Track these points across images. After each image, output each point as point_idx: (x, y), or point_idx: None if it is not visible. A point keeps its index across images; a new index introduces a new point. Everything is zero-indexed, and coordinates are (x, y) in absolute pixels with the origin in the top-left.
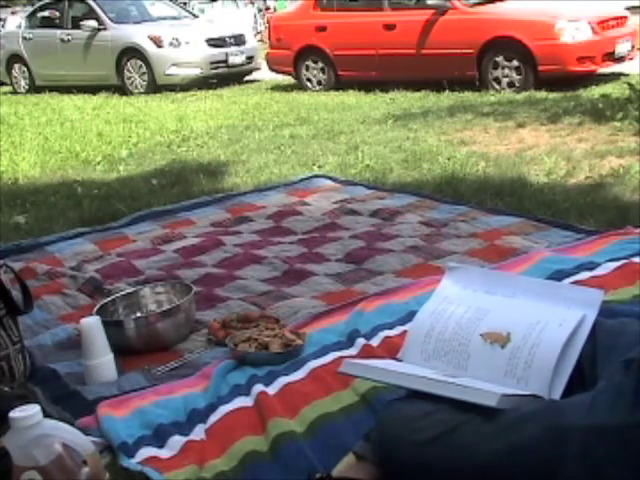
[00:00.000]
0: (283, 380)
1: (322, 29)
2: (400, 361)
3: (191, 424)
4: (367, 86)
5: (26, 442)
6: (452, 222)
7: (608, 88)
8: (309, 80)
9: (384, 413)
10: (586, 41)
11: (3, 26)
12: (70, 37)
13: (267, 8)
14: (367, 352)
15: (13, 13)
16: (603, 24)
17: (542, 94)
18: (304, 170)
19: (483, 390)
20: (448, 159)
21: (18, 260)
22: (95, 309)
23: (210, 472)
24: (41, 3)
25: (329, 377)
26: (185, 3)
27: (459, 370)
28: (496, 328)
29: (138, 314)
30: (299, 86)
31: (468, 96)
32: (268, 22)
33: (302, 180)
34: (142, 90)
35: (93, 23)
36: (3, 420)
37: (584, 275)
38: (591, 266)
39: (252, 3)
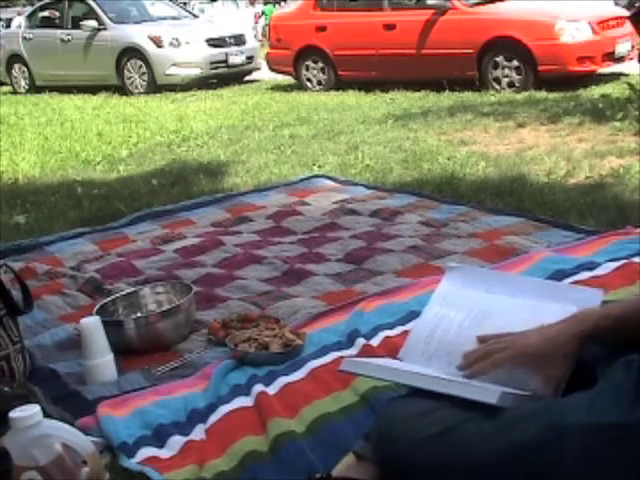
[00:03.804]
0: (283, 380)
1: (322, 29)
2: (400, 360)
3: (191, 424)
4: (367, 86)
5: (26, 442)
6: (452, 222)
7: (608, 88)
8: (309, 80)
9: (384, 412)
10: (586, 41)
11: (4, 26)
12: (70, 37)
13: (263, 13)
14: (367, 352)
15: (19, 14)
16: (603, 24)
17: (542, 94)
18: (304, 170)
19: (484, 388)
20: (448, 159)
21: (18, 260)
22: (95, 309)
23: (210, 472)
24: (41, 3)
25: (329, 377)
26: (185, 3)
27: (460, 370)
28: (498, 331)
29: (138, 314)
30: (299, 86)
31: (468, 96)
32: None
33: (302, 180)
34: (142, 90)
35: (93, 23)
36: (3, 420)
37: (584, 275)
38: (591, 266)
39: (252, 4)
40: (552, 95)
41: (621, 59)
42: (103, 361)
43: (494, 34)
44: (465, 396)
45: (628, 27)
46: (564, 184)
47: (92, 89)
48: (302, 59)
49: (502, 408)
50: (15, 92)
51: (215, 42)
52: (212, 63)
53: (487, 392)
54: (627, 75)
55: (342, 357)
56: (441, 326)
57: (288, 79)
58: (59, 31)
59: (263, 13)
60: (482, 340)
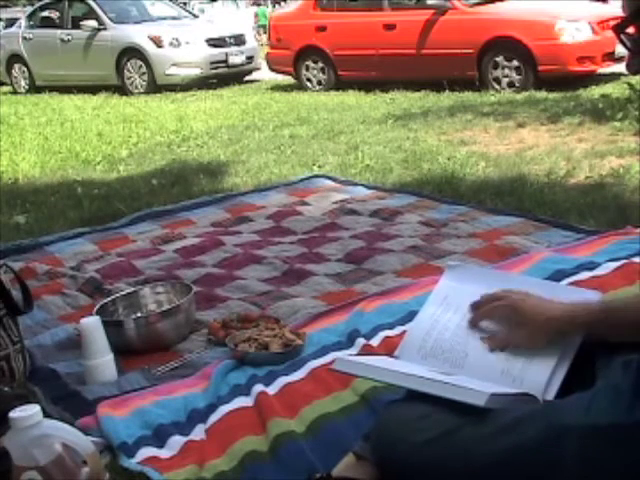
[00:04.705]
0: (283, 380)
1: (322, 29)
2: (396, 358)
3: (191, 424)
4: (367, 86)
5: (26, 442)
6: (452, 222)
7: (608, 88)
8: (309, 80)
9: (382, 415)
10: (586, 41)
11: (4, 26)
12: (70, 37)
13: (256, 15)
14: (367, 352)
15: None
16: (603, 24)
17: (542, 94)
18: (304, 170)
19: (472, 389)
20: (448, 159)
21: (18, 260)
22: (95, 309)
23: (210, 472)
24: (41, 3)
25: (329, 377)
26: (185, 3)
27: (455, 368)
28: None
29: (138, 314)
30: (299, 86)
31: (468, 96)
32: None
33: (302, 180)
34: (142, 90)
35: (93, 23)
36: (3, 420)
37: (584, 275)
38: (591, 266)
39: (257, 6)
40: (552, 95)
41: (621, 59)
42: (103, 361)
43: (494, 34)
44: (453, 397)
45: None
46: (564, 184)
47: (92, 89)
48: (302, 59)
49: (498, 410)
50: (15, 92)
51: (215, 42)
52: (212, 63)
53: (476, 394)
54: (627, 75)
55: None
56: (439, 325)
57: (288, 79)
58: (59, 31)
59: (256, 15)
60: (485, 340)
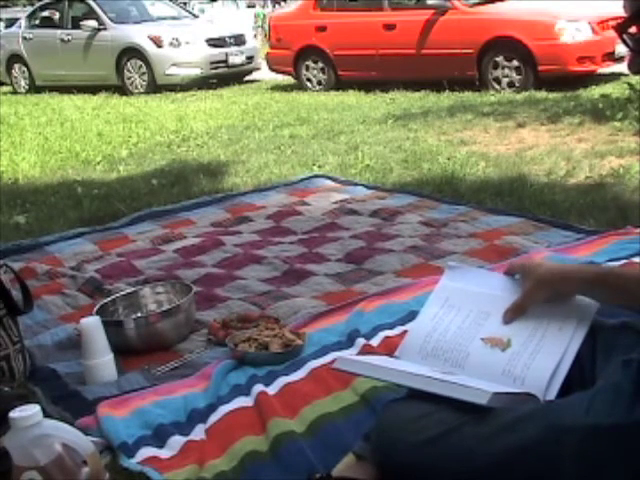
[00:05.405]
0: (283, 380)
1: (322, 29)
2: (397, 358)
3: (191, 424)
4: (367, 86)
5: (26, 442)
6: (452, 222)
7: (608, 88)
8: (309, 80)
9: (383, 415)
10: (586, 41)
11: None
12: (70, 37)
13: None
14: (367, 352)
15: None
16: (603, 24)
17: (542, 94)
18: (304, 170)
19: (474, 388)
20: (448, 159)
21: (18, 260)
22: (95, 309)
23: (210, 472)
24: (41, 3)
25: (329, 377)
26: (185, 3)
27: (456, 368)
28: (497, 333)
29: (138, 314)
30: (299, 86)
31: (468, 96)
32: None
33: (302, 180)
34: (142, 90)
35: (93, 23)
36: (3, 420)
37: None
38: None
39: (251, 7)
40: (552, 95)
41: (621, 59)
42: (103, 361)
43: (494, 34)
44: (456, 396)
45: None
46: (564, 184)
47: (92, 89)
48: (302, 59)
49: (500, 410)
50: (15, 92)
51: (215, 42)
52: (212, 63)
53: (478, 393)
54: (627, 75)
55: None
56: (440, 326)
57: (288, 79)
58: (59, 31)
59: (256, 16)
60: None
